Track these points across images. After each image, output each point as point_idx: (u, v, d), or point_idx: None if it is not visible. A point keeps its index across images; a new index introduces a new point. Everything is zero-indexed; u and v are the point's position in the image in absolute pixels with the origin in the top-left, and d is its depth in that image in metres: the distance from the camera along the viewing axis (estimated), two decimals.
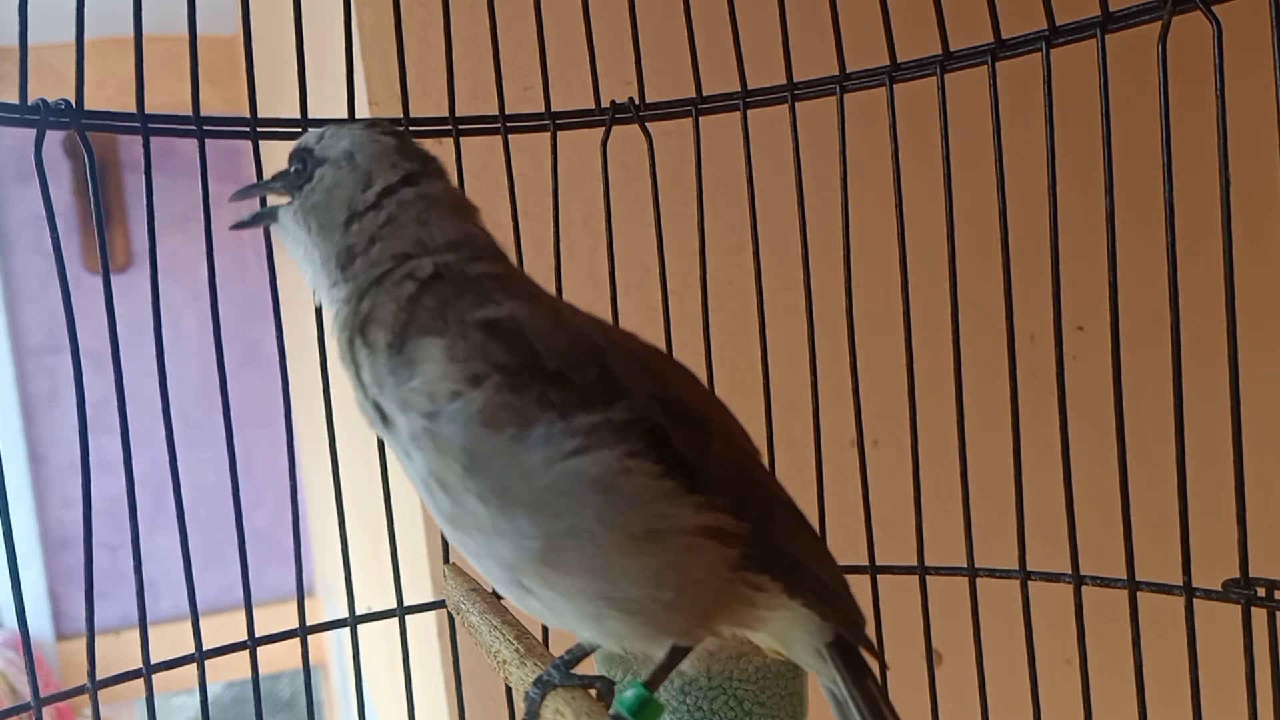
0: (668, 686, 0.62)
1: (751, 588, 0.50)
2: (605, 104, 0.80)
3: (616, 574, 0.47)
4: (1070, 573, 0.68)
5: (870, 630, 0.71)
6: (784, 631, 0.54)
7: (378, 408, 0.51)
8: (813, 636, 0.54)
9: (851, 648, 0.55)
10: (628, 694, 0.50)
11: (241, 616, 0.72)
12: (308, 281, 0.57)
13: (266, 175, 0.74)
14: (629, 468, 0.46)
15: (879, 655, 0.57)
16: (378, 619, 0.78)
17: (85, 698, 0.66)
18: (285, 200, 0.58)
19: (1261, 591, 0.59)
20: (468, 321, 0.48)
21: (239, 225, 0.61)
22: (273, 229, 0.60)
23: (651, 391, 0.50)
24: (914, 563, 0.75)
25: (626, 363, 0.50)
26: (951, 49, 0.70)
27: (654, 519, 0.47)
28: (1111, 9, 0.62)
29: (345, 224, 0.55)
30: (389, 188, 0.54)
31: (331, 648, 2.61)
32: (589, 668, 0.60)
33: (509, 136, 0.80)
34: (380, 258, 0.53)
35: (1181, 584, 0.62)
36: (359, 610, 0.76)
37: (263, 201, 0.64)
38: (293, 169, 0.58)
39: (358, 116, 0.76)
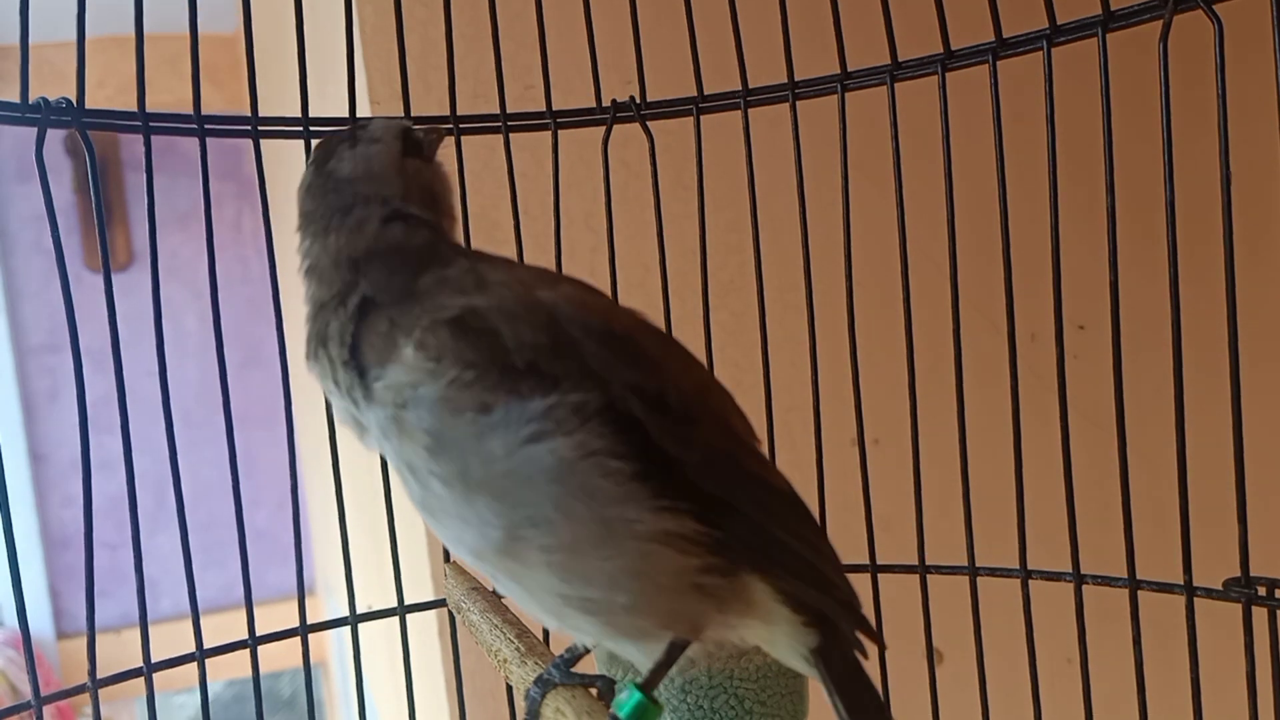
0: (668, 685, 0.62)
1: (723, 591, 0.49)
2: (606, 103, 0.80)
3: (573, 574, 0.47)
4: (1071, 572, 0.68)
5: None
6: (768, 636, 0.53)
7: (355, 416, 0.52)
8: (796, 640, 0.53)
9: (842, 652, 0.53)
10: (625, 694, 0.50)
11: (242, 615, 0.72)
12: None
13: (268, 174, 0.74)
14: (588, 459, 0.46)
15: (879, 655, 0.56)
16: (378, 618, 0.78)
17: (86, 696, 0.66)
18: None
19: (1262, 590, 0.59)
20: (437, 319, 0.48)
21: None
22: None
23: (632, 382, 0.49)
24: (915, 562, 0.75)
25: (608, 353, 0.49)
26: (953, 48, 0.70)
27: (611, 521, 0.46)
28: (1113, 8, 0.61)
29: (315, 215, 0.55)
30: (353, 177, 0.55)
31: (332, 646, 2.61)
32: (590, 666, 0.60)
33: (510, 135, 0.80)
34: (336, 270, 0.53)
35: (1182, 583, 0.62)
36: (359, 609, 0.76)
37: None
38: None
39: (359, 115, 0.76)
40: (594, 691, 0.53)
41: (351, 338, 0.51)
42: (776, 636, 0.53)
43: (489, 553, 0.48)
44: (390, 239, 0.53)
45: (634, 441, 0.47)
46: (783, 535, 0.52)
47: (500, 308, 0.49)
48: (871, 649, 0.56)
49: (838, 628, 0.53)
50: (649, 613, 0.48)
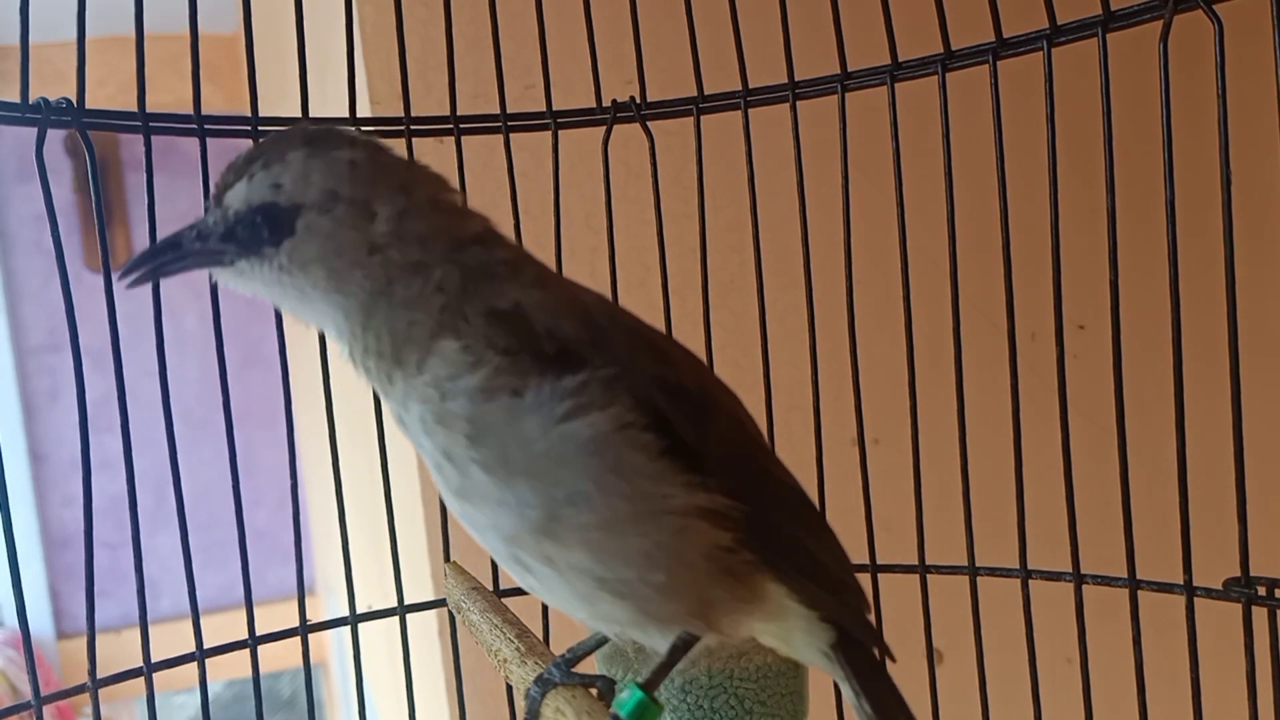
0: (668, 685, 0.62)
1: (746, 577, 0.50)
2: (607, 103, 0.80)
3: (610, 553, 0.47)
4: (1071, 571, 0.68)
5: None
6: (784, 632, 0.54)
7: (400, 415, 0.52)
8: (813, 637, 0.54)
9: (859, 647, 0.54)
10: (626, 694, 0.50)
11: (242, 615, 0.72)
12: (315, 325, 0.55)
13: None
14: (622, 433, 0.47)
15: (882, 648, 0.57)
16: (378, 617, 0.78)
17: (86, 696, 0.66)
18: (225, 259, 0.53)
19: (1262, 590, 0.59)
20: (476, 312, 0.49)
21: (137, 282, 0.53)
22: (225, 277, 0.54)
23: (654, 374, 0.50)
24: (915, 561, 0.75)
25: (631, 345, 0.51)
26: (953, 48, 0.70)
27: (647, 496, 0.47)
28: (1113, 8, 0.62)
29: (362, 262, 0.51)
30: (399, 212, 0.52)
31: (332, 646, 2.61)
32: (590, 666, 0.60)
33: (510, 135, 0.80)
34: (403, 277, 0.51)
35: (1182, 583, 0.63)
36: (359, 609, 0.76)
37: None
38: (230, 222, 0.51)
39: (359, 115, 0.76)
40: (594, 691, 0.53)
41: (412, 331, 0.50)
42: (792, 633, 0.53)
43: (526, 535, 0.48)
44: (451, 236, 0.53)
45: (661, 427, 0.48)
46: (797, 533, 0.53)
47: (535, 300, 0.50)
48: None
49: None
50: (681, 596, 0.49)
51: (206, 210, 0.53)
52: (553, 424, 0.47)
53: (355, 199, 0.51)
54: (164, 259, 0.52)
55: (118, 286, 0.68)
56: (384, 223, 0.51)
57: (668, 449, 0.48)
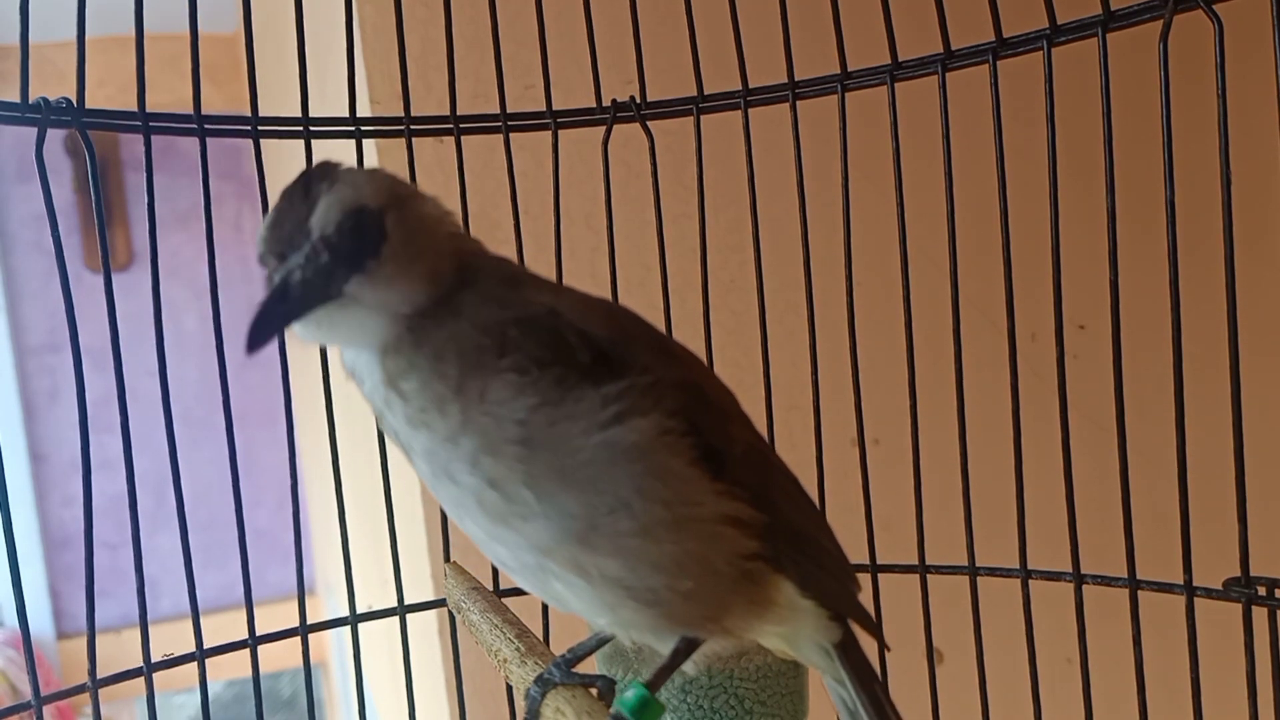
0: (668, 685, 0.62)
1: (766, 580, 0.51)
2: (606, 103, 0.80)
3: (643, 560, 0.47)
4: (1071, 571, 0.68)
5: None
6: (793, 630, 0.54)
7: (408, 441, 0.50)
8: (820, 635, 0.54)
9: (857, 649, 0.55)
10: (628, 694, 0.50)
11: (242, 615, 0.72)
12: (362, 348, 0.51)
13: (268, 174, 0.74)
14: (663, 439, 0.47)
15: (879, 655, 0.57)
16: (378, 617, 0.78)
17: (86, 696, 0.66)
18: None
19: (1262, 590, 0.59)
20: (516, 324, 0.48)
21: (261, 346, 0.47)
22: (325, 321, 0.48)
23: (678, 379, 0.50)
24: (915, 561, 0.75)
25: (653, 352, 0.51)
26: (953, 48, 0.70)
27: (685, 502, 0.47)
28: (1113, 8, 0.62)
29: (445, 254, 0.50)
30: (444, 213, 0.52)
31: (332, 646, 2.61)
32: (590, 666, 0.60)
33: (510, 135, 0.80)
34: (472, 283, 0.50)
35: (1182, 583, 0.63)
36: (360, 609, 0.76)
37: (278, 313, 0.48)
38: (333, 239, 0.47)
39: (359, 115, 0.76)
40: (594, 691, 0.53)
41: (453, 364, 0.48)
42: (800, 631, 0.54)
43: (562, 546, 0.48)
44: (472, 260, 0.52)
45: (692, 432, 0.49)
46: (811, 530, 0.53)
47: (564, 303, 0.50)
48: (872, 647, 0.57)
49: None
50: (703, 601, 0.49)
51: (273, 258, 0.48)
52: (596, 431, 0.47)
53: (411, 196, 0.50)
54: (280, 310, 0.47)
55: (118, 286, 0.68)
56: (443, 221, 0.51)
57: (698, 456, 0.48)
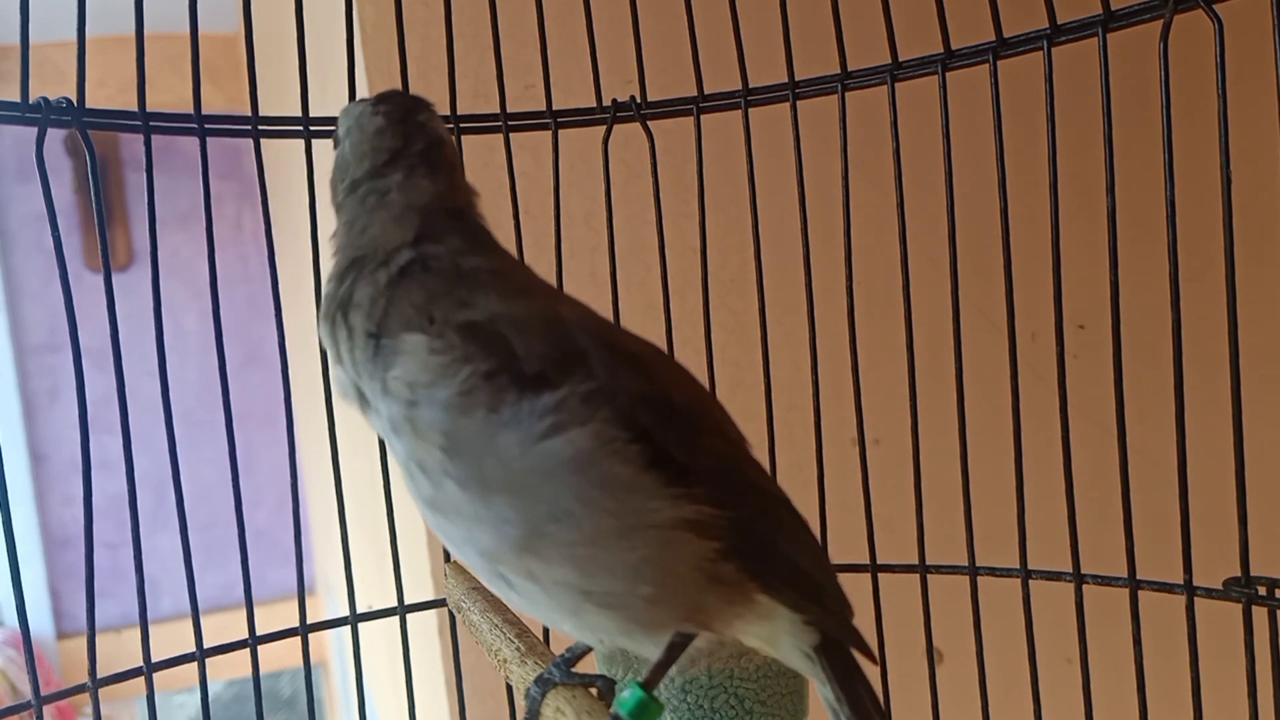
0: (668, 685, 0.62)
1: (734, 583, 0.50)
2: (607, 102, 0.80)
3: (596, 567, 0.47)
4: (1071, 571, 0.68)
5: (870, 629, 0.71)
6: (769, 634, 0.54)
7: (358, 391, 0.52)
8: (798, 639, 0.53)
9: (842, 650, 0.54)
10: (626, 694, 0.50)
11: (242, 615, 0.72)
12: None
13: (268, 174, 0.74)
14: (605, 448, 0.46)
15: (879, 655, 0.57)
16: (378, 617, 0.78)
17: (86, 696, 0.66)
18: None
19: (1263, 590, 0.59)
20: (449, 322, 0.49)
21: None
22: None
23: (640, 391, 0.49)
24: (915, 561, 0.75)
25: (615, 364, 0.50)
26: (953, 47, 0.70)
27: (633, 510, 0.46)
28: (1113, 7, 0.62)
29: (339, 202, 0.55)
30: (376, 169, 0.55)
31: (332, 646, 2.61)
32: (590, 666, 0.60)
33: (510, 134, 0.80)
34: (362, 241, 0.53)
35: (1182, 583, 0.62)
36: (360, 608, 0.76)
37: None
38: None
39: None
40: (594, 691, 0.53)
41: (382, 310, 0.50)
42: (778, 634, 0.53)
43: (506, 553, 0.48)
44: (458, 204, 0.55)
45: (646, 444, 0.48)
46: (782, 544, 0.52)
47: (514, 315, 0.49)
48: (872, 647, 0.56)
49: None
50: (670, 604, 0.48)
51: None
52: (532, 442, 0.46)
53: (357, 144, 0.56)
54: None
55: (118, 286, 0.68)
56: (361, 173, 0.55)
57: (653, 462, 0.47)
